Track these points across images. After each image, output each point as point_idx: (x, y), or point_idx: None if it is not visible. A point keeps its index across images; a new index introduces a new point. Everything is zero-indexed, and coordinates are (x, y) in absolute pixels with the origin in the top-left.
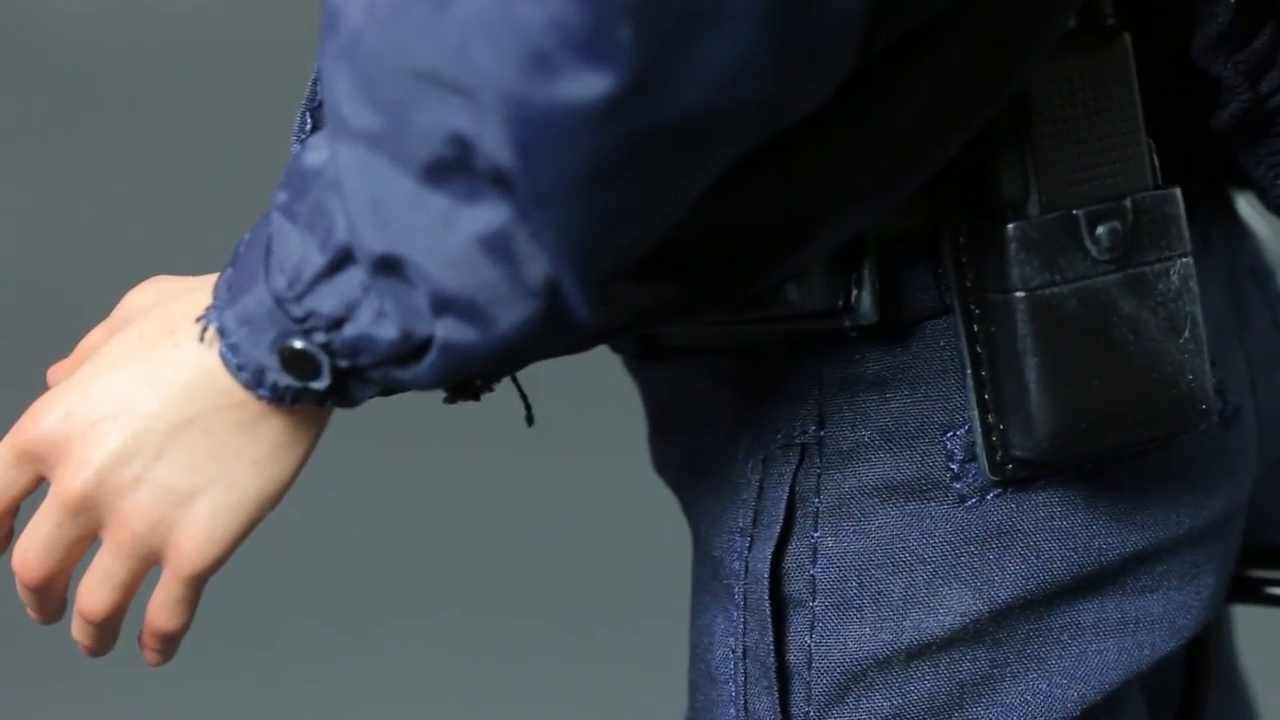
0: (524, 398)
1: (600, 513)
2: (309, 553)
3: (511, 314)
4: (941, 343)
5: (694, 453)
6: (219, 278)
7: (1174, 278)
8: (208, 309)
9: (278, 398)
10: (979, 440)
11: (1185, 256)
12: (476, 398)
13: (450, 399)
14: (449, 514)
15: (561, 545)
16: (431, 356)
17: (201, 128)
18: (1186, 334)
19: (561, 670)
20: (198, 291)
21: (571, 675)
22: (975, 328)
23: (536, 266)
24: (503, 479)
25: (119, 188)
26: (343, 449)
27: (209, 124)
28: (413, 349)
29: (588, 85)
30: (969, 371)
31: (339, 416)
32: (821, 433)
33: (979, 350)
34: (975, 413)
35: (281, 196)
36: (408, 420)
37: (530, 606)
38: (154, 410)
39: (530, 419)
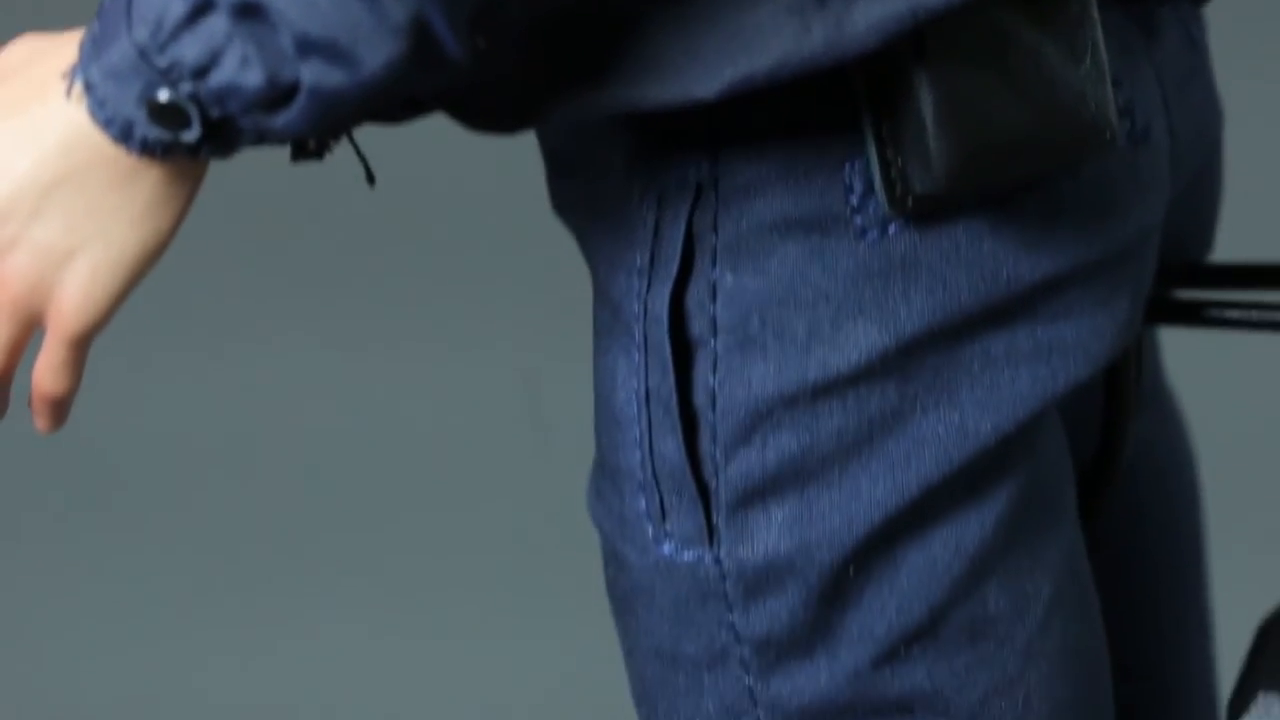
0: (362, 159)
1: None
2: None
3: (378, 53)
4: (836, 76)
5: (589, 193)
6: (85, 32)
7: (1073, 6)
8: (73, 65)
9: (148, 151)
10: (877, 177)
11: None
12: (320, 157)
13: (294, 158)
14: (451, 496)
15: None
16: (301, 101)
17: None
18: (1088, 62)
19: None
20: (67, 47)
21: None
22: (871, 61)
23: (401, 2)
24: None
25: None
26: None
27: None
28: (280, 94)
29: None
30: (865, 106)
31: (345, 401)
32: (716, 169)
33: (874, 84)
34: (873, 149)
35: None
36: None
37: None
38: (26, 170)
39: (371, 179)
